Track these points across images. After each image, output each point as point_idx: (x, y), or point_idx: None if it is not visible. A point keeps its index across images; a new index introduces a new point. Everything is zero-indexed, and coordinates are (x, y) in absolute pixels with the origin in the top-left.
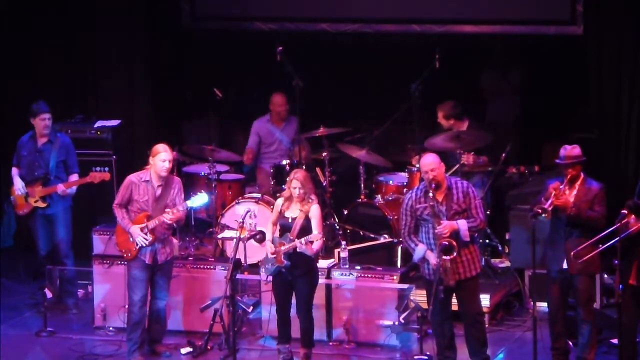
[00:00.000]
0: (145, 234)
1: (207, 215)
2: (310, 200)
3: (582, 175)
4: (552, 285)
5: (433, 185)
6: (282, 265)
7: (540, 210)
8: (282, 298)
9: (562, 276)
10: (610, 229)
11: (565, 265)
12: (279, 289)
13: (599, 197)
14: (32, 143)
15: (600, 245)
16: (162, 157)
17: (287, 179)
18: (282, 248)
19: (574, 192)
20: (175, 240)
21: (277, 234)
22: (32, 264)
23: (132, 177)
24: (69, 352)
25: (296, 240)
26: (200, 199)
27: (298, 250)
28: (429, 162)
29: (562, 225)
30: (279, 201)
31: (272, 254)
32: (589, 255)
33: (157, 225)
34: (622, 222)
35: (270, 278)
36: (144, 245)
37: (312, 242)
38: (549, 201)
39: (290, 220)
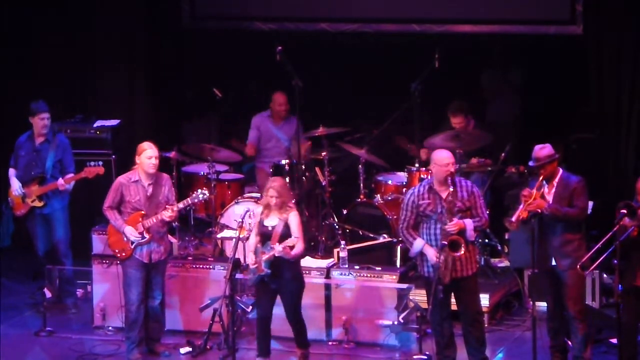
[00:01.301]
0: (141, 233)
1: (206, 214)
2: (288, 208)
3: (560, 171)
4: (545, 282)
5: (450, 180)
6: (263, 274)
7: (507, 224)
8: (264, 310)
9: (551, 273)
10: (610, 233)
11: (553, 262)
12: (260, 300)
13: (578, 191)
14: (30, 143)
15: (594, 245)
16: (148, 154)
17: (265, 188)
18: (263, 257)
19: (553, 189)
20: (174, 240)
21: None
22: (31, 263)
23: (121, 179)
24: (69, 351)
25: (276, 245)
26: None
27: (277, 255)
28: (447, 155)
29: (545, 224)
30: (258, 210)
31: (253, 264)
32: (595, 265)
33: (153, 224)
34: (620, 223)
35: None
36: (140, 242)
37: (291, 247)
38: (516, 213)
39: (270, 229)
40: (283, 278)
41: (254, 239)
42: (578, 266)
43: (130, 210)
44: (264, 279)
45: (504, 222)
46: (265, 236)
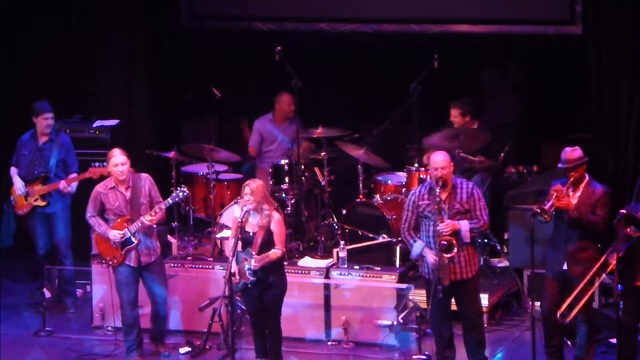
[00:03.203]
0: (129, 237)
1: (205, 214)
2: (265, 214)
3: (587, 177)
4: (550, 285)
5: (440, 183)
6: (248, 281)
7: (539, 210)
8: (255, 313)
9: (561, 277)
10: (619, 246)
11: (565, 267)
12: (250, 304)
13: (602, 201)
14: (33, 142)
15: (598, 246)
16: (113, 162)
17: (242, 191)
18: (245, 266)
19: (578, 193)
20: (173, 240)
21: (240, 247)
22: (31, 263)
23: (98, 188)
24: (68, 351)
25: (252, 258)
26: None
27: (254, 268)
28: (440, 160)
29: (564, 227)
30: (237, 213)
31: (237, 272)
32: (573, 315)
33: (139, 228)
34: (622, 233)
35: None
36: (129, 248)
37: (267, 243)
38: (550, 202)
39: (251, 234)
40: (266, 283)
41: (234, 244)
42: (558, 314)
43: (113, 216)
44: (248, 285)
45: (535, 207)
46: (246, 242)
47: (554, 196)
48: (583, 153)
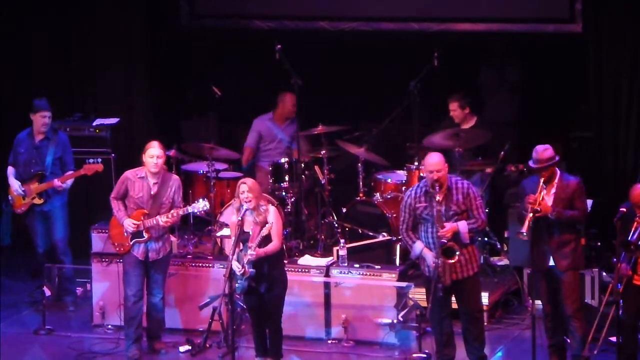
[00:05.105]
0: (141, 230)
1: (205, 213)
2: (262, 209)
3: (557, 172)
4: (542, 283)
5: (437, 186)
6: (248, 274)
7: (520, 237)
8: (256, 312)
9: (549, 273)
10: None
11: (551, 263)
12: (251, 303)
13: (578, 192)
14: (30, 140)
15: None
16: (150, 153)
17: (237, 191)
18: (245, 260)
19: (553, 190)
20: (173, 238)
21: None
22: (30, 262)
23: (128, 173)
24: (68, 350)
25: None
26: (201, 205)
27: (252, 259)
28: (435, 162)
29: (543, 225)
30: (233, 219)
31: (240, 271)
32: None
33: (154, 225)
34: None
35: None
36: (138, 240)
37: (265, 237)
38: (525, 224)
39: (251, 234)
40: (267, 279)
41: (235, 244)
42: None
43: (133, 206)
44: (251, 284)
45: (517, 235)
46: (246, 241)
47: (529, 209)
48: (554, 152)
